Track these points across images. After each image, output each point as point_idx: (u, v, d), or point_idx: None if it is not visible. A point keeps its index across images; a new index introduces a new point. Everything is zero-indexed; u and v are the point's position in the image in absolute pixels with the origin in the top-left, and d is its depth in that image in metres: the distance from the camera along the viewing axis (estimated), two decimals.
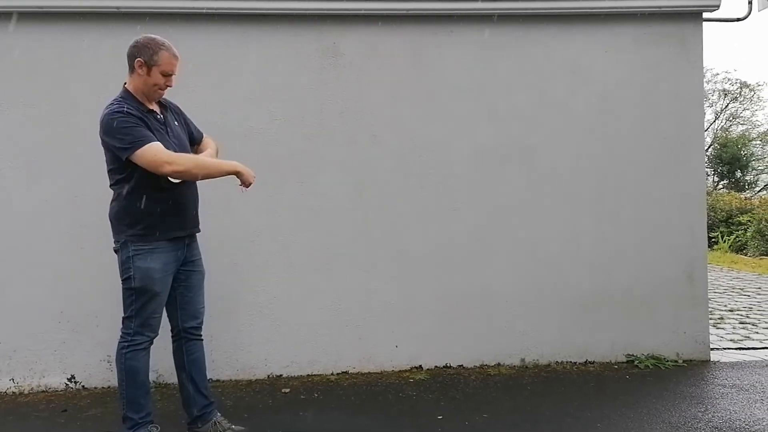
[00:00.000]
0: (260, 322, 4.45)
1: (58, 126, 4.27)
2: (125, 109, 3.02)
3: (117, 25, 4.22)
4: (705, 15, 4.75)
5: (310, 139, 4.47)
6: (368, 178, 4.54)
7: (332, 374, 4.50)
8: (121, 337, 3.18)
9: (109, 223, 3.20)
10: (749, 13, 4.95)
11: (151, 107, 3.19)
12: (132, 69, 3.13)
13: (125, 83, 3.17)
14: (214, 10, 4.33)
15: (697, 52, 4.74)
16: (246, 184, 3.26)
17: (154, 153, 2.97)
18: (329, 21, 4.47)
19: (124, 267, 3.13)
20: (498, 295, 4.64)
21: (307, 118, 4.47)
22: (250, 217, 4.42)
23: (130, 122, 2.99)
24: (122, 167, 3.05)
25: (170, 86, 3.18)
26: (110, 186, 3.17)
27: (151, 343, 3.22)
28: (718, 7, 4.68)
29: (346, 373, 4.52)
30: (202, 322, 3.43)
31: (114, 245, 3.20)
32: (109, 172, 3.15)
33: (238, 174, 3.23)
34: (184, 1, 4.32)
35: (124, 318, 3.19)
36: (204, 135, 3.56)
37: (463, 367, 4.61)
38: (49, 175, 4.27)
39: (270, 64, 4.45)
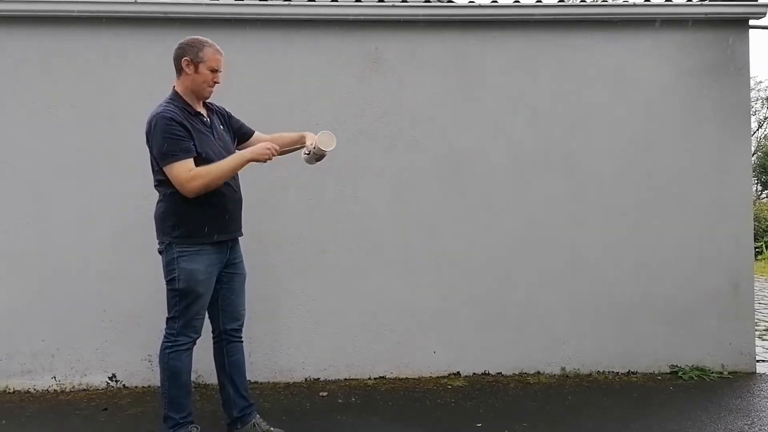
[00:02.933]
0: (299, 325, 4.47)
1: (104, 128, 4.35)
2: (171, 114, 3.06)
3: (163, 30, 4.29)
4: (751, 22, 4.65)
5: (351, 144, 4.47)
6: (408, 183, 4.53)
7: (370, 379, 4.49)
8: (164, 337, 3.21)
9: (153, 223, 3.24)
10: None
11: (198, 109, 3.23)
12: (179, 70, 3.18)
13: (174, 86, 3.22)
14: (258, 16, 4.38)
15: (744, 60, 4.64)
16: (264, 161, 3.21)
17: (177, 173, 3.02)
18: (371, 26, 4.48)
19: (169, 268, 3.16)
20: (537, 302, 4.59)
21: (348, 122, 4.49)
22: (290, 221, 4.45)
23: (173, 131, 3.03)
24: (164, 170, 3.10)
25: (218, 82, 3.23)
26: (155, 187, 3.21)
27: (194, 344, 3.25)
28: (765, 14, 4.58)
29: (383, 378, 4.51)
30: (242, 324, 3.45)
31: (158, 246, 3.23)
32: (154, 172, 3.20)
33: (252, 160, 3.19)
34: (230, 6, 4.39)
35: (167, 318, 3.22)
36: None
37: (502, 375, 4.56)
38: (96, 176, 4.35)
39: (313, 69, 4.48)
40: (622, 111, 4.61)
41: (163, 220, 3.18)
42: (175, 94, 3.20)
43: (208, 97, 3.28)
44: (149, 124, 3.10)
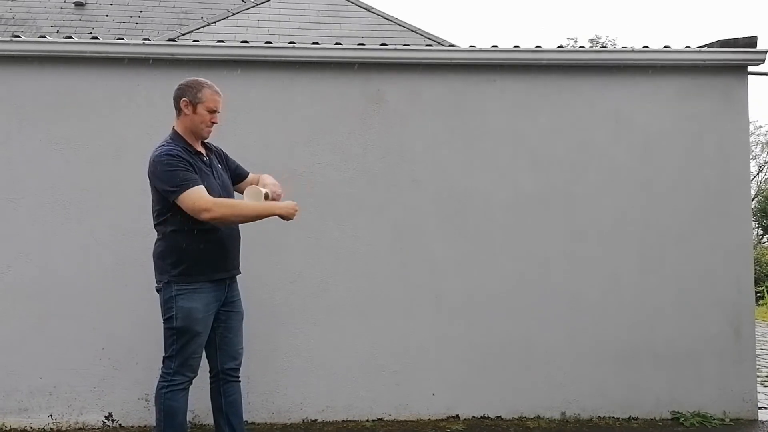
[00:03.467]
0: (297, 364, 4.44)
1: (108, 165, 4.39)
2: (174, 151, 3.11)
3: (170, 70, 4.35)
4: (750, 68, 4.72)
5: (352, 183, 4.51)
6: (408, 223, 4.55)
7: (368, 420, 4.44)
8: (161, 376, 3.20)
9: (152, 261, 3.26)
10: None
11: (198, 149, 3.28)
12: (179, 111, 3.25)
13: (174, 126, 3.28)
14: (264, 58, 4.47)
15: (742, 105, 4.69)
16: (288, 219, 3.28)
17: (195, 199, 3.04)
18: (374, 69, 4.56)
19: (167, 306, 3.17)
20: (537, 345, 4.56)
21: (349, 161, 4.53)
22: (289, 259, 4.46)
23: (177, 164, 3.08)
24: (167, 207, 3.13)
25: (215, 122, 3.29)
26: (155, 226, 3.24)
27: (191, 383, 3.24)
28: (763, 61, 4.64)
29: (381, 420, 4.46)
30: (240, 364, 3.44)
31: (156, 285, 3.24)
32: (154, 210, 3.23)
33: (278, 215, 3.25)
34: (236, 49, 4.48)
35: (164, 358, 3.21)
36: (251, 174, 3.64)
37: (502, 419, 4.51)
38: (98, 213, 4.37)
39: (315, 109, 4.54)
40: (622, 154, 4.65)
41: (163, 258, 3.19)
42: (176, 134, 3.25)
43: (206, 137, 3.33)
44: (153, 163, 3.14)
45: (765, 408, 4.85)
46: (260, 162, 4.26)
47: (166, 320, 3.19)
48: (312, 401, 4.44)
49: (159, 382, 3.20)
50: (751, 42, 4.62)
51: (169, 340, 3.18)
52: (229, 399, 3.38)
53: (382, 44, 4.57)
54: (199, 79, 3.27)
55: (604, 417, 4.54)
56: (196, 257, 3.15)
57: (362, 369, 4.48)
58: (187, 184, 3.05)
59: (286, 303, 4.45)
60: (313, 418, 4.43)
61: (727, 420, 4.49)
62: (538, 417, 4.53)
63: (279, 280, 4.46)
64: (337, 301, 4.49)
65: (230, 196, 3.35)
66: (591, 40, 29.88)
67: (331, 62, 4.52)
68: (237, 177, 3.56)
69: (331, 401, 4.45)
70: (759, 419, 4.57)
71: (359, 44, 4.55)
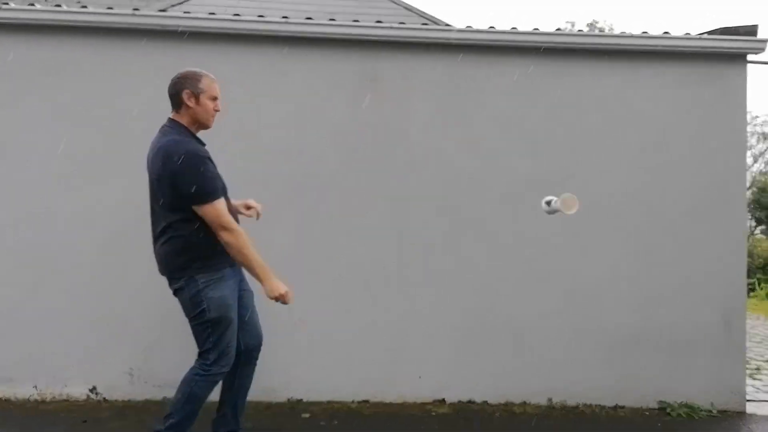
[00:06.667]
0: (284, 345, 4.39)
1: (107, 136, 4.34)
2: (202, 151, 3.05)
3: (162, 42, 4.28)
4: (749, 57, 4.65)
5: (344, 161, 4.46)
6: (400, 204, 4.50)
7: (353, 402, 4.42)
8: (199, 366, 3.13)
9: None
10: None
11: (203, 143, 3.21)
12: (179, 104, 3.12)
13: (173, 119, 3.15)
14: (256, 32, 4.39)
15: (741, 94, 4.63)
16: (275, 299, 3.19)
17: (221, 213, 3.00)
18: (368, 46, 4.48)
19: (195, 301, 3.07)
20: (528, 330, 4.53)
21: (342, 139, 4.47)
22: (279, 238, 4.41)
23: (209, 169, 3.01)
24: (179, 205, 3.01)
25: (218, 110, 3.21)
26: (159, 222, 3.10)
27: (224, 376, 3.21)
28: (763, 50, 4.58)
29: (367, 401, 4.44)
30: (261, 342, 3.46)
31: (174, 284, 3.13)
32: (164, 210, 3.06)
33: (270, 288, 3.15)
34: (227, 22, 4.39)
35: (200, 352, 3.15)
36: None
37: (488, 404, 4.49)
38: (94, 182, 4.33)
39: (308, 87, 4.47)
40: (620, 140, 4.59)
41: (178, 256, 3.08)
42: (183, 128, 3.12)
43: (211, 127, 3.23)
44: (176, 159, 2.94)
45: (753, 400, 4.84)
46: (250, 139, 4.22)
47: (197, 315, 3.08)
48: (298, 381, 4.42)
49: (194, 369, 3.12)
50: (751, 30, 4.55)
51: (204, 334, 3.10)
52: (242, 381, 3.37)
53: (378, 21, 4.49)
54: (194, 69, 3.17)
55: (590, 405, 4.52)
56: (213, 246, 3.05)
57: (349, 350, 4.45)
58: (217, 194, 3.01)
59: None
60: (299, 398, 4.42)
61: (715, 412, 4.48)
62: (525, 403, 4.51)
63: (268, 259, 4.40)
64: (327, 283, 4.45)
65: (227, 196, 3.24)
66: (589, 25, 29.73)
67: (325, 38, 4.44)
68: None
69: (317, 382, 4.43)
70: (747, 411, 4.56)
71: (354, 21, 4.47)
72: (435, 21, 8.01)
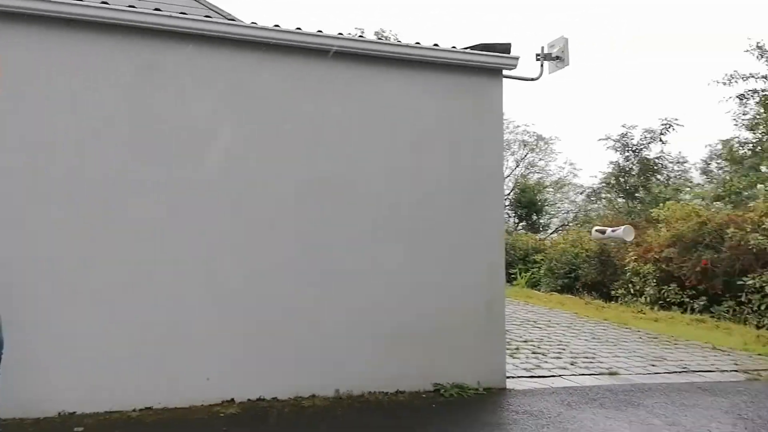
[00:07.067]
0: (52, 353, 4.05)
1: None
2: None
3: None
4: (505, 72, 5.22)
5: (118, 153, 4.24)
6: (183, 200, 4.38)
7: (134, 410, 4.19)
8: None
9: None
10: (541, 75, 5.53)
11: None
12: None
13: None
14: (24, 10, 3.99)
15: (498, 104, 5.21)
16: None
17: None
18: (148, 35, 4.28)
19: None
20: (313, 325, 4.65)
21: (116, 128, 4.26)
22: (44, 238, 4.04)
23: None
24: None
25: None
26: None
27: None
28: (515, 66, 5.17)
29: (150, 408, 4.23)
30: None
31: None
32: None
33: None
34: None
35: None
36: None
37: (277, 400, 4.53)
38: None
39: (81, 71, 4.18)
40: (397, 144, 4.91)
41: None
42: None
43: None
44: None
45: (512, 377, 5.43)
46: (14, 130, 3.81)
47: None
48: (70, 393, 4.09)
49: None
50: (505, 48, 5.14)
51: None
52: None
53: (156, 9, 4.30)
54: None
55: (374, 392, 4.77)
56: None
57: (128, 357, 4.22)
58: None
59: (39, 286, 4.04)
60: (71, 411, 4.08)
61: (481, 389, 4.96)
62: (313, 396, 4.63)
63: (31, 262, 4.02)
64: (101, 284, 4.18)
65: None
66: (376, 33, 31.02)
67: (96, 22, 4.16)
68: None
69: (92, 392, 4.13)
70: (507, 387, 5.12)
71: (129, 6, 4.22)
72: (221, 13, 7.81)
